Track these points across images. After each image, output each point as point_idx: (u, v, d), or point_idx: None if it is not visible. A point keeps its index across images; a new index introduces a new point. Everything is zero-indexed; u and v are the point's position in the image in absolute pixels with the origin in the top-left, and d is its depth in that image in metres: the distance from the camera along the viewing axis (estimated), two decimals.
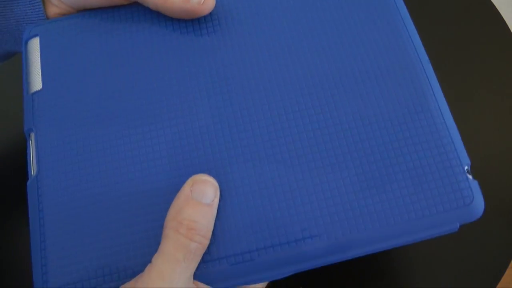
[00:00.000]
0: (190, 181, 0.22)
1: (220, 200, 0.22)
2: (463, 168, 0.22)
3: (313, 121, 0.23)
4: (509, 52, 0.41)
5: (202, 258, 0.21)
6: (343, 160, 0.22)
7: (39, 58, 0.25)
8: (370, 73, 0.24)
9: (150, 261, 0.21)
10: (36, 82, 0.25)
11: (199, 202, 0.21)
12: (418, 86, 0.23)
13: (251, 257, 0.21)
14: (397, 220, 0.21)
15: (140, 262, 0.21)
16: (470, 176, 0.22)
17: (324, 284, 0.32)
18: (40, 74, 0.25)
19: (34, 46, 0.26)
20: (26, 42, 0.26)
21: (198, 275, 0.21)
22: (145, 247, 0.22)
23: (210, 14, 0.25)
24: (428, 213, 0.21)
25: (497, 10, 0.43)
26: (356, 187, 0.22)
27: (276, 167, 0.22)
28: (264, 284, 0.24)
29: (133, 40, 0.25)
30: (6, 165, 0.38)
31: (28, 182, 0.23)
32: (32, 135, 0.24)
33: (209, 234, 0.21)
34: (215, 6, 0.25)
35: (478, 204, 0.22)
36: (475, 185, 0.22)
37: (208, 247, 0.21)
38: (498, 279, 0.32)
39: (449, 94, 0.38)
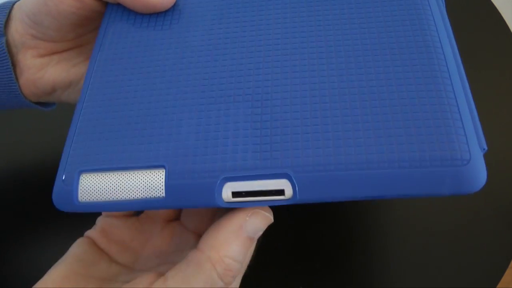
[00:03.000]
0: (249, 210, 0.19)
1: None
2: (463, 125, 0.19)
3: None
4: (510, 52, 0.41)
5: None
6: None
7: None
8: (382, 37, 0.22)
9: None
10: None
11: (250, 238, 0.19)
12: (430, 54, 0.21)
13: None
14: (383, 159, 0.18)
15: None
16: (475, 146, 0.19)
17: (324, 285, 0.32)
18: None
19: None
20: None
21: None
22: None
23: None
24: (415, 162, 0.18)
25: (497, 10, 0.43)
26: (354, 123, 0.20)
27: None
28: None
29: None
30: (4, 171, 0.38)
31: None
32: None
33: (238, 274, 0.20)
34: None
35: (476, 170, 0.18)
36: (476, 149, 0.19)
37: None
38: (498, 279, 0.32)
39: None
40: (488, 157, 0.36)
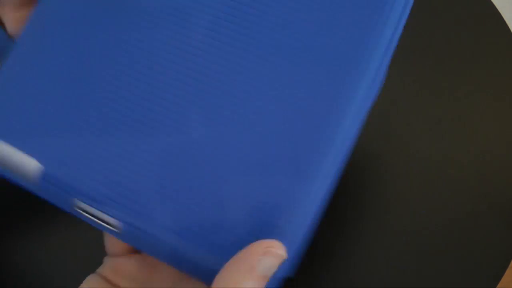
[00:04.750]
0: (261, 249, 0.19)
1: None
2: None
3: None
4: (509, 52, 0.41)
5: None
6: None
7: None
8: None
9: None
10: None
11: (264, 276, 0.18)
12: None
13: None
14: None
15: None
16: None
17: (324, 285, 0.32)
18: None
19: None
20: None
21: None
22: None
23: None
24: None
25: (498, 10, 0.43)
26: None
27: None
28: None
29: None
30: None
31: None
32: None
33: None
34: None
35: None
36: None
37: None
38: (498, 279, 0.32)
39: (448, 94, 0.38)
40: (488, 157, 0.36)
